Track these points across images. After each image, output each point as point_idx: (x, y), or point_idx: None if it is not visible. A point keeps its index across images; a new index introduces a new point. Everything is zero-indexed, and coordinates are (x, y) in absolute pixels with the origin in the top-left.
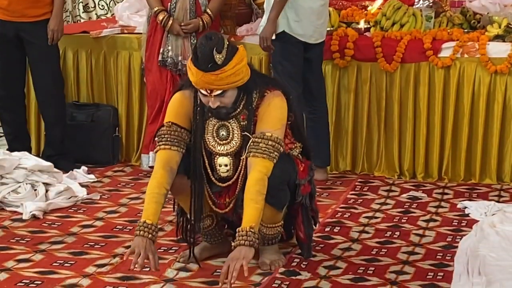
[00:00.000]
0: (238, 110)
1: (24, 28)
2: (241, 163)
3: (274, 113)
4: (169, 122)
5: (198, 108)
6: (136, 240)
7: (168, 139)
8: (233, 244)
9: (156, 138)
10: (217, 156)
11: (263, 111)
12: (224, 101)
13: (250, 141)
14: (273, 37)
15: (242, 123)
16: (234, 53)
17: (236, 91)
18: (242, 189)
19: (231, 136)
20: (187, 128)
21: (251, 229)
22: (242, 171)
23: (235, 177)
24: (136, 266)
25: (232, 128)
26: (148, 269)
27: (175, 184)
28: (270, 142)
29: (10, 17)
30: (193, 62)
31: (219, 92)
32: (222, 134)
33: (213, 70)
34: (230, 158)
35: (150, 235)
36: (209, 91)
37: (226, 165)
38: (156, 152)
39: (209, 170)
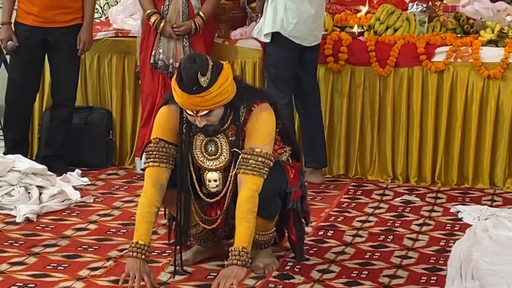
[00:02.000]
0: (226, 125)
1: (52, 33)
2: (229, 178)
3: (262, 128)
4: (156, 138)
5: (185, 124)
6: (129, 262)
7: (156, 155)
8: (226, 263)
9: (144, 154)
10: (206, 171)
11: (251, 126)
12: (210, 120)
13: (240, 157)
14: (268, 40)
15: (230, 138)
16: (219, 73)
17: (223, 109)
18: (230, 203)
19: (219, 151)
20: (175, 143)
21: (243, 249)
22: (230, 186)
23: (223, 192)
24: None
25: (221, 143)
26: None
27: (166, 197)
28: (259, 158)
29: (40, 23)
30: (178, 84)
31: (205, 112)
32: (211, 150)
33: (198, 93)
34: (220, 173)
35: (143, 256)
36: (195, 112)
37: (215, 181)
38: (145, 168)
39: (196, 186)
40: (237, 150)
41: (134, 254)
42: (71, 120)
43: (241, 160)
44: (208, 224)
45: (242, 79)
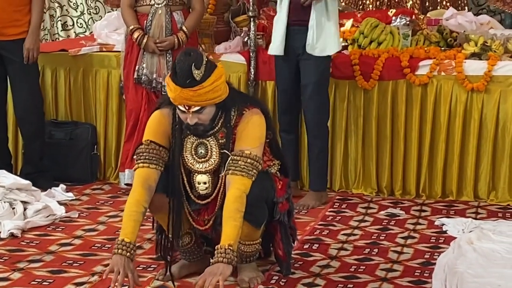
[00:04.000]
0: (217, 128)
1: (3, 46)
2: (220, 180)
3: (252, 131)
4: (147, 140)
5: (177, 126)
6: (114, 258)
7: (147, 157)
8: (211, 261)
9: (134, 156)
10: (196, 173)
11: (242, 129)
12: (202, 118)
13: (229, 158)
14: (328, 54)
15: (220, 141)
16: (213, 70)
17: (214, 108)
18: (221, 206)
19: (209, 154)
20: (166, 146)
21: (229, 247)
22: (221, 189)
23: (214, 194)
24: (116, 284)
25: (211, 146)
26: (127, 287)
27: (154, 202)
28: (249, 160)
29: None
30: (172, 78)
31: (197, 108)
32: (201, 152)
33: (191, 86)
34: (209, 176)
35: (128, 254)
36: (187, 107)
37: (205, 183)
38: (134, 170)
39: (187, 188)
40: (227, 152)
41: (120, 251)
42: (42, 135)
43: (230, 161)
44: (199, 225)
45: (234, 86)
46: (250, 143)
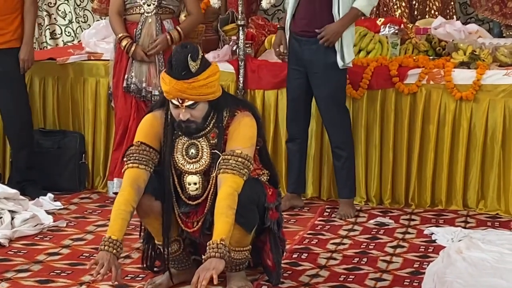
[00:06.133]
0: (208, 128)
1: None
2: (210, 181)
3: (244, 131)
4: (138, 141)
5: (168, 126)
6: (100, 253)
7: (137, 157)
8: (203, 256)
9: (124, 158)
10: (186, 174)
11: (233, 129)
12: (194, 114)
13: (220, 158)
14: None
15: (211, 141)
16: (208, 66)
17: (207, 106)
18: (210, 209)
19: (200, 154)
20: (156, 148)
21: (221, 242)
22: (211, 190)
23: (204, 195)
24: (98, 275)
25: (202, 146)
26: None
27: (142, 205)
28: (240, 159)
29: None
30: (167, 71)
31: (190, 103)
32: (192, 153)
33: (186, 78)
34: (200, 177)
35: (114, 251)
36: (180, 101)
37: (195, 184)
38: (124, 170)
39: (178, 189)
40: (218, 152)
41: (106, 248)
42: (30, 145)
43: (221, 160)
44: (188, 228)
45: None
46: (241, 143)
